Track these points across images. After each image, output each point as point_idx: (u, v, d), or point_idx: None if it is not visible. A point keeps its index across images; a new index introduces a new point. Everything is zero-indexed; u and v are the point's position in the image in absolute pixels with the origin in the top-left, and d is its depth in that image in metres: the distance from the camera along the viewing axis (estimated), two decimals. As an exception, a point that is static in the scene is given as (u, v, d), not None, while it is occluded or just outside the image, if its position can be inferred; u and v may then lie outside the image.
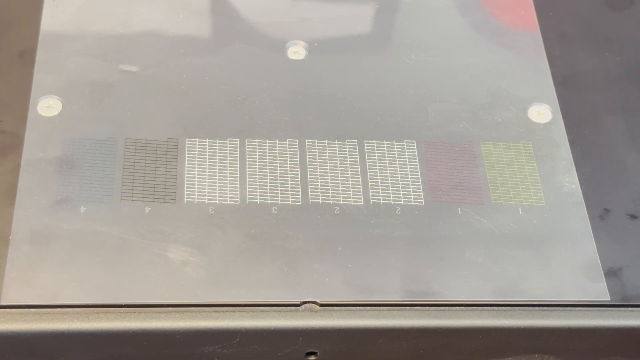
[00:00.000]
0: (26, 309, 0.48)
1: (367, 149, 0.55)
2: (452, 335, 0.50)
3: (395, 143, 0.55)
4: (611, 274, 0.51)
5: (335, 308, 0.49)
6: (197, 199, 0.52)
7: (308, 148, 0.55)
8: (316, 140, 0.55)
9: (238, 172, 0.53)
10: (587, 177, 0.55)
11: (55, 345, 0.48)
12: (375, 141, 0.55)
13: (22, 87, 0.56)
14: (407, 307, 0.49)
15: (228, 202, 0.52)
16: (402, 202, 0.53)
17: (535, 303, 0.50)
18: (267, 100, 0.57)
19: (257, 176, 0.53)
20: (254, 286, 0.49)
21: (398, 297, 0.49)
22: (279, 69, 0.58)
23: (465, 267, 0.51)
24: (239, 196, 0.52)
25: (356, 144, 0.55)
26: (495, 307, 0.50)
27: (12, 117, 0.55)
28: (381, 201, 0.53)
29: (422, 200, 0.53)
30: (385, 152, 0.55)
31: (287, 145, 0.55)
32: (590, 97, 0.59)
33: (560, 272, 0.51)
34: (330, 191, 0.53)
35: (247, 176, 0.53)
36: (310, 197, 0.53)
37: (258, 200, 0.52)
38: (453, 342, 0.50)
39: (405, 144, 0.55)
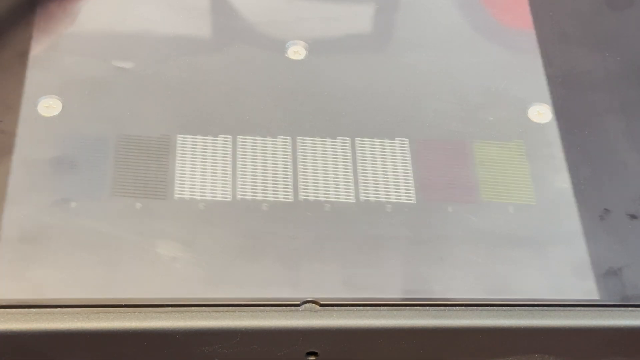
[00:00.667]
0: (26, 309, 0.48)
1: (359, 146, 0.55)
2: (452, 335, 0.50)
3: (387, 141, 0.55)
4: (611, 274, 0.51)
5: (335, 308, 0.49)
6: (189, 195, 0.52)
7: (300, 145, 0.55)
8: (308, 138, 0.55)
9: (230, 168, 0.53)
10: (587, 177, 0.55)
11: (55, 345, 0.48)
12: (367, 139, 0.55)
13: (22, 87, 0.56)
14: (407, 307, 0.49)
15: (219, 199, 0.52)
16: (394, 200, 0.53)
17: (536, 303, 0.50)
18: (260, 98, 0.57)
19: (249, 173, 0.53)
20: (254, 286, 0.49)
21: (392, 295, 0.49)
22: (279, 69, 0.58)
23: (455, 265, 0.51)
24: (230, 193, 0.52)
25: (348, 141, 0.55)
26: (495, 307, 0.50)
27: (12, 117, 0.55)
28: (372, 199, 0.53)
29: (414, 198, 0.53)
30: (378, 150, 0.55)
31: (279, 143, 0.55)
32: (590, 97, 0.59)
33: (549, 270, 0.51)
34: (321, 188, 0.53)
35: (238, 173, 0.53)
36: (301, 194, 0.53)
37: (249, 197, 0.52)
38: (453, 342, 0.50)
39: (397, 141, 0.55)
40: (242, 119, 0.56)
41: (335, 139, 0.55)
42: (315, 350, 0.50)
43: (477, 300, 0.50)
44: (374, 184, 0.54)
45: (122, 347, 0.49)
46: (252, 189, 0.53)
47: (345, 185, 0.53)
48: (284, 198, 0.53)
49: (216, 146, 0.54)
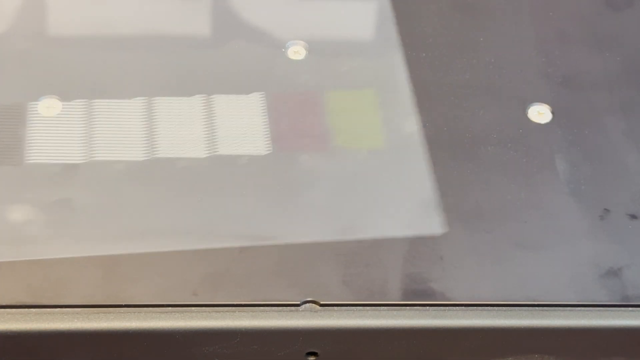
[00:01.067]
0: (26, 309, 0.48)
1: (215, 103, 0.56)
2: (452, 335, 0.50)
3: (242, 96, 0.56)
4: (611, 274, 0.51)
5: (335, 308, 0.49)
6: (43, 159, 0.52)
7: (156, 105, 0.55)
8: (163, 98, 0.56)
9: (85, 131, 0.54)
10: (587, 177, 0.55)
11: (55, 345, 0.48)
12: (222, 95, 0.56)
13: (22, 87, 0.56)
14: (407, 307, 0.49)
15: (74, 162, 0.52)
16: (250, 153, 0.54)
17: (535, 303, 0.50)
18: (116, 62, 0.57)
19: (103, 135, 0.54)
20: (254, 286, 0.49)
21: (239, 242, 0.51)
22: (279, 68, 0.58)
23: (309, 209, 0.52)
24: (85, 155, 0.53)
25: (204, 99, 0.56)
26: (495, 307, 0.50)
27: (12, 117, 0.55)
28: (228, 153, 0.54)
29: (270, 149, 0.54)
30: (234, 105, 0.56)
31: (134, 104, 0.55)
32: (590, 97, 0.59)
33: (398, 209, 0.53)
34: (177, 146, 0.54)
35: (93, 135, 0.54)
36: (157, 152, 0.53)
37: (103, 158, 0.53)
38: (453, 342, 0.50)
39: (253, 96, 0.56)
40: (98, 82, 0.56)
41: (190, 97, 0.56)
42: (315, 351, 0.50)
43: (476, 300, 0.50)
44: (229, 138, 0.55)
45: (122, 347, 0.49)
46: (106, 150, 0.53)
47: (201, 141, 0.54)
48: (139, 157, 0.53)
49: (72, 110, 0.55)
